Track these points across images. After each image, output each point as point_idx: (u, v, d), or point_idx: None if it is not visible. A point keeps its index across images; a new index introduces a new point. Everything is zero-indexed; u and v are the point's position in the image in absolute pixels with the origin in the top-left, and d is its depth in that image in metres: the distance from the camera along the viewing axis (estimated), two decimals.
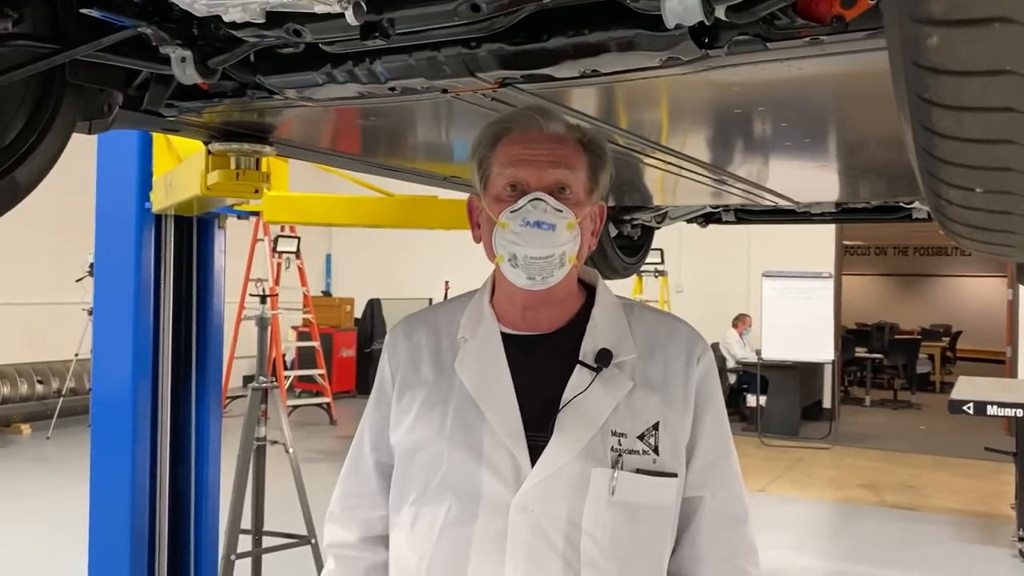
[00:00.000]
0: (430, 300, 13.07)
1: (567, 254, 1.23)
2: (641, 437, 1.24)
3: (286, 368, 10.50)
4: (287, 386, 10.23)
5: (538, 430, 1.23)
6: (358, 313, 12.72)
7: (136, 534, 2.86)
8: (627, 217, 3.49)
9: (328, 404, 10.17)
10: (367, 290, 12.76)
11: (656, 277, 9.85)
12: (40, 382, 8.86)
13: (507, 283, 1.28)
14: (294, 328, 11.16)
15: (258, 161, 1.85)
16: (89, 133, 1.56)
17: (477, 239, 1.34)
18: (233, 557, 3.36)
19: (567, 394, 1.24)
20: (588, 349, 1.27)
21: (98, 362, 2.90)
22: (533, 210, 1.22)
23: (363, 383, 12.14)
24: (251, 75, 1.39)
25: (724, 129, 1.87)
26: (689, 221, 3.78)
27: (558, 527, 1.19)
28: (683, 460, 1.27)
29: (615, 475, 1.21)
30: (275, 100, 1.49)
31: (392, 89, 1.33)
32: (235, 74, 1.39)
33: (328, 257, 14.55)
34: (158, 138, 2.67)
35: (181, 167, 2.24)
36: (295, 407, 10.05)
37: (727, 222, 3.78)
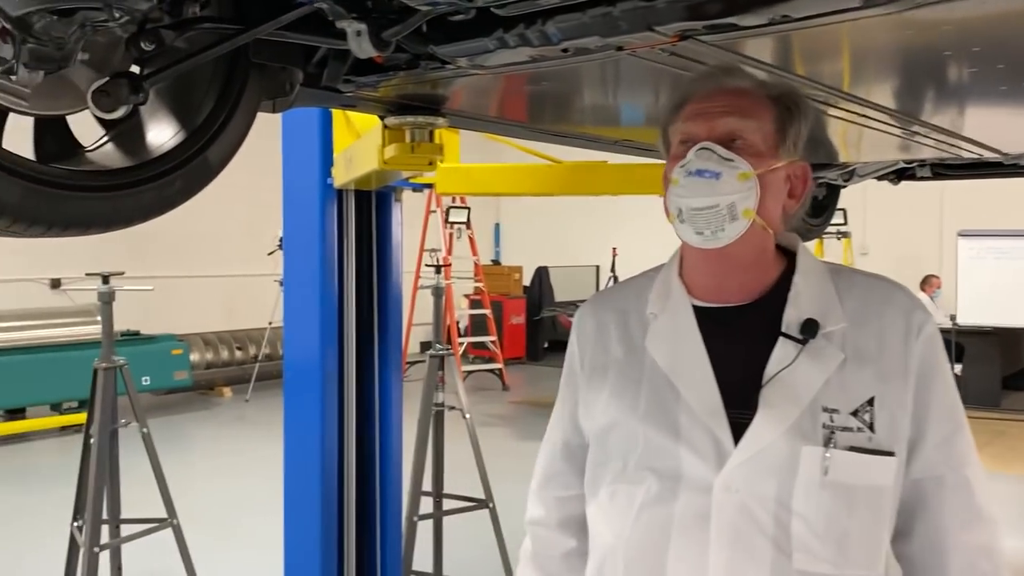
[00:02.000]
0: (597, 267, 13.04)
1: (738, 205, 1.15)
2: (855, 413, 1.15)
3: (459, 335, 10.80)
4: (460, 352, 10.52)
5: (739, 407, 1.16)
6: (527, 281, 12.87)
7: (326, 491, 3.02)
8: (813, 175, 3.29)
9: (500, 370, 10.39)
10: (535, 258, 12.88)
11: (839, 239, 9.34)
12: (239, 348, 9.56)
13: (690, 249, 1.22)
14: (466, 296, 11.45)
15: (432, 133, 1.86)
16: (273, 111, 1.62)
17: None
18: (416, 518, 3.49)
19: (770, 368, 1.17)
20: (791, 319, 1.19)
21: (289, 330, 3.07)
22: (697, 159, 1.16)
23: (532, 350, 12.30)
24: (423, 46, 1.38)
25: (923, 75, 1.70)
26: (879, 178, 3.51)
27: (767, 508, 1.13)
28: (902, 438, 1.17)
29: (827, 454, 1.13)
30: (447, 70, 1.48)
31: (565, 50, 1.28)
32: (408, 45, 1.38)
33: (497, 226, 14.79)
34: (337, 115, 2.77)
35: (359, 142, 2.30)
36: (469, 373, 10.33)
37: (922, 178, 3.48)
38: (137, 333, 8.43)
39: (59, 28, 1.04)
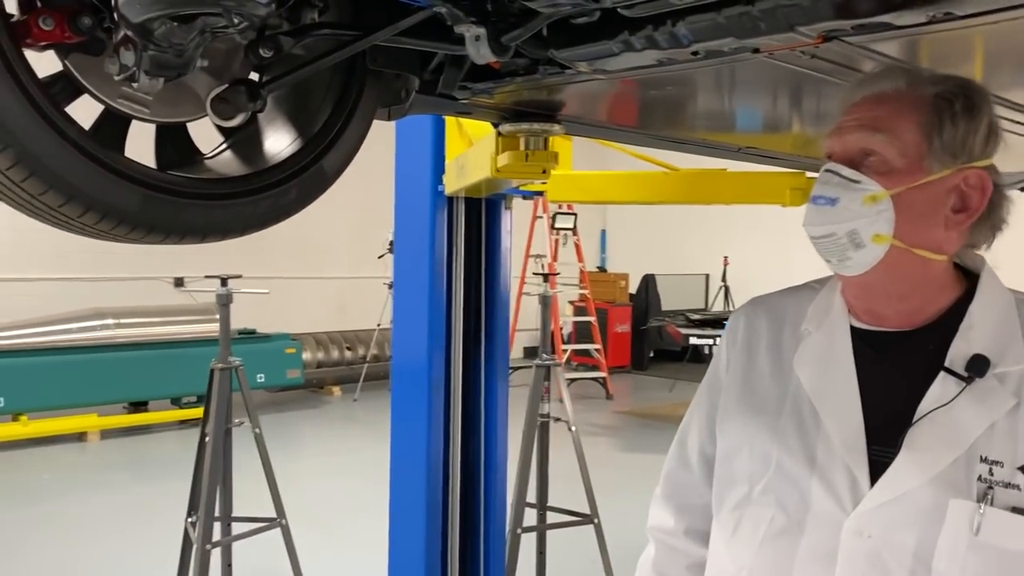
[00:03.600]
0: (707, 276, 12.75)
1: (861, 232, 1.04)
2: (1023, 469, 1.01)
3: (563, 342, 10.74)
4: (564, 359, 10.45)
5: (884, 444, 1.05)
6: (633, 288, 12.69)
7: (431, 496, 3.01)
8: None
9: (604, 379, 10.26)
10: (642, 265, 12.68)
11: None
12: (348, 348, 9.76)
13: None
14: (571, 303, 11.38)
15: (546, 141, 1.81)
16: (389, 119, 1.60)
17: None
18: (519, 530, 3.44)
19: (924, 406, 1.05)
20: (958, 354, 1.06)
21: (398, 334, 3.08)
22: (820, 184, 1.07)
23: (638, 359, 12.12)
24: (544, 50, 1.33)
25: None
26: (1022, 189, 3.25)
27: (902, 562, 1.01)
28: None
29: (981, 510, 0.99)
30: (566, 75, 1.42)
31: (695, 53, 1.20)
32: (527, 50, 1.33)
33: (603, 233, 14.66)
34: (450, 123, 2.75)
35: (472, 150, 2.27)
36: (572, 380, 10.25)
37: None
38: (253, 332, 8.72)
39: (179, 35, 1.03)
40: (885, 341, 1.13)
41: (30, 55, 1.10)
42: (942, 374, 1.06)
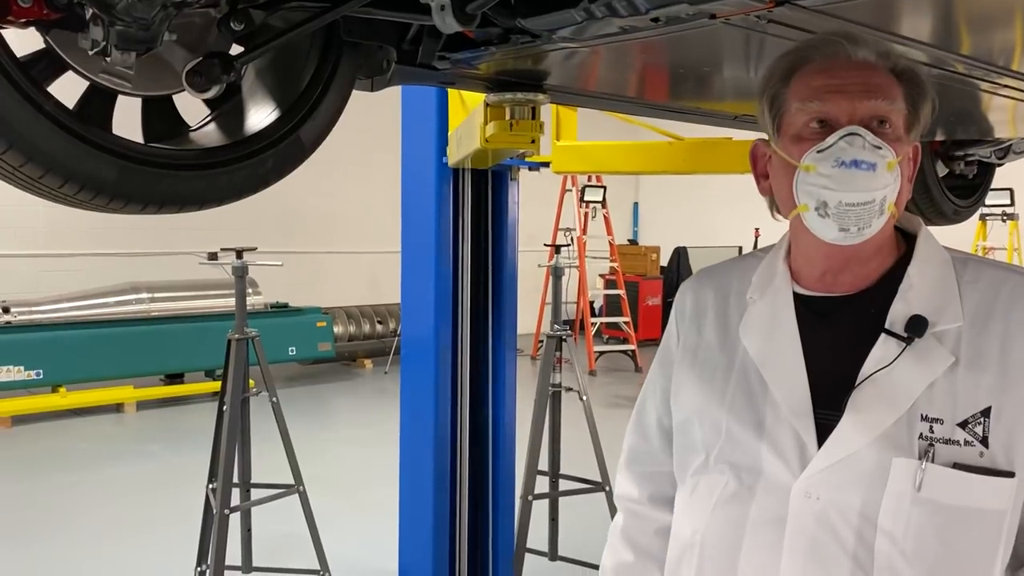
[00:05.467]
0: (739, 249, 12.61)
1: (888, 199, 1.05)
2: (964, 425, 1.02)
3: (593, 315, 10.74)
4: (594, 332, 10.47)
5: (830, 408, 1.07)
6: (664, 261, 12.62)
7: (439, 464, 3.07)
8: (960, 153, 3.03)
9: (633, 351, 10.27)
10: (674, 238, 12.58)
11: (1004, 221, 8.63)
12: (379, 322, 9.86)
13: (808, 238, 1.12)
14: (601, 276, 11.37)
15: (534, 110, 1.82)
16: (372, 90, 1.63)
17: (765, 191, 1.21)
18: (531, 497, 3.49)
19: (866, 368, 1.06)
20: (898, 315, 1.08)
21: (406, 306, 3.13)
22: (849, 147, 1.04)
23: None
24: (511, 19, 1.34)
25: None
26: None
27: (848, 521, 1.03)
28: None
29: (923, 467, 1.01)
30: (540, 44, 1.44)
31: (655, 20, 1.22)
32: (496, 19, 1.35)
33: (635, 205, 14.58)
34: (453, 95, 2.77)
35: (465, 122, 2.29)
36: (601, 353, 10.27)
37: None
38: (286, 305, 8.86)
39: (140, 9, 1.07)
40: (827, 306, 1.14)
41: (13, 33, 1.15)
42: (883, 336, 1.07)
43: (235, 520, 3.37)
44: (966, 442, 1.02)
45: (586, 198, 10.07)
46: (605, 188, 9.90)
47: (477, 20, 1.28)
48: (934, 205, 3.08)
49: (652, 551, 1.34)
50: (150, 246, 8.71)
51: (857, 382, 1.06)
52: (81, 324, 7.37)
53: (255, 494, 3.56)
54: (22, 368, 6.96)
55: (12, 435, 6.85)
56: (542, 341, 9.67)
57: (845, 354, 1.09)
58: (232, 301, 8.07)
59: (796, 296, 1.17)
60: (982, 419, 1.02)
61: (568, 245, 3.80)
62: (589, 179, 10.07)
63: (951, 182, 3.16)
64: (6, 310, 7.11)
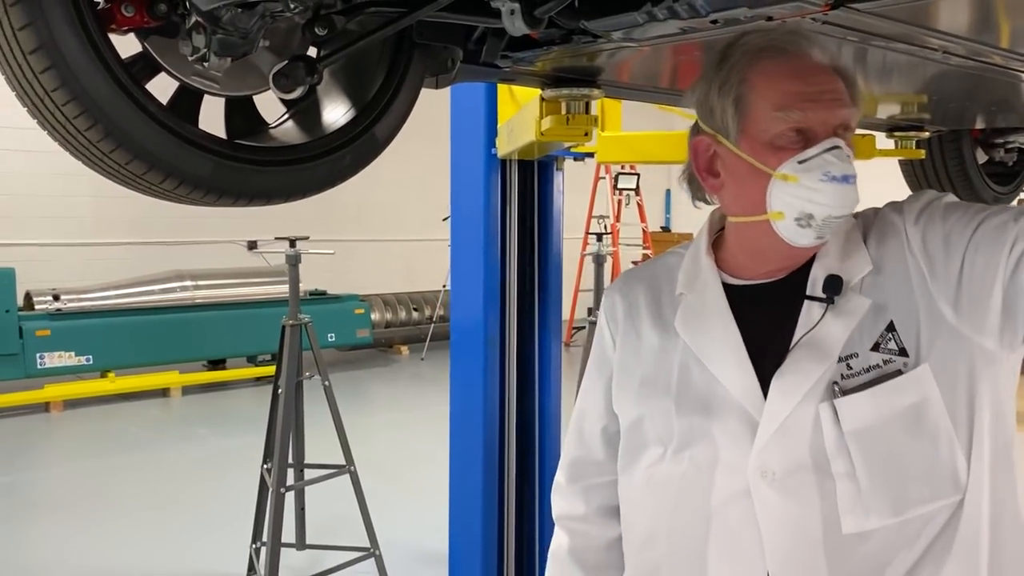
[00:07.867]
0: None
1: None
2: (876, 347, 1.07)
3: None
4: None
5: None
6: None
7: (487, 449, 3.16)
8: (1000, 140, 3.05)
9: None
10: None
11: None
12: (416, 309, 9.99)
13: (766, 240, 1.13)
14: (634, 263, 11.39)
15: (588, 105, 1.90)
16: (436, 88, 1.71)
17: (715, 189, 1.20)
18: None
19: (796, 335, 1.11)
20: (816, 280, 1.13)
21: (455, 294, 3.22)
22: (836, 161, 1.06)
23: None
24: (575, 20, 1.41)
25: None
26: None
27: (806, 481, 1.07)
28: (952, 295, 1.06)
29: (835, 405, 1.06)
30: (600, 44, 1.51)
31: (714, 22, 1.28)
32: (561, 21, 1.42)
33: (668, 193, 14.55)
34: (502, 89, 2.85)
35: (519, 114, 2.37)
36: None
37: None
38: (324, 293, 9.01)
39: (243, 20, 1.16)
40: (761, 290, 1.19)
41: (115, 39, 1.25)
42: (806, 303, 1.12)
43: (288, 499, 3.50)
44: (885, 362, 1.07)
45: (620, 186, 10.10)
46: (639, 176, 9.92)
47: (544, 23, 1.36)
48: (974, 193, 3.11)
49: (606, 566, 1.33)
50: (193, 235, 8.90)
51: (790, 349, 1.10)
52: (128, 311, 7.58)
53: (308, 474, 3.69)
54: (73, 353, 7.18)
55: (64, 418, 7.08)
56: (576, 328, 9.76)
57: (780, 331, 1.13)
58: (272, 288, 8.30)
59: (727, 286, 1.20)
60: (889, 335, 1.07)
61: (606, 233, 3.87)
62: (623, 167, 10.09)
63: (990, 169, 3.18)
64: (56, 298, 7.32)
